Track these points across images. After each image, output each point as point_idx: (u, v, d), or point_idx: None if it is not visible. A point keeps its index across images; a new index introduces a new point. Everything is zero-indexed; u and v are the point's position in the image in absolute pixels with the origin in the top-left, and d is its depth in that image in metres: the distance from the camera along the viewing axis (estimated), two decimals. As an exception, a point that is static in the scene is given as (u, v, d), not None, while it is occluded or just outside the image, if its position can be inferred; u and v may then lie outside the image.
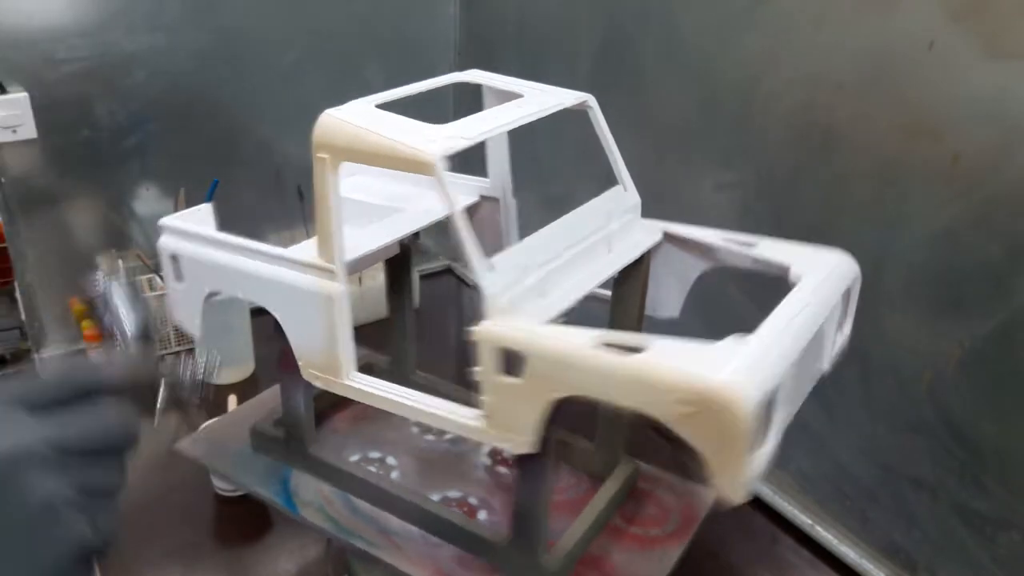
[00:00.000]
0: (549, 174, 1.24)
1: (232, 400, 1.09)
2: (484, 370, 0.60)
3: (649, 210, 0.76)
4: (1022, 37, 0.68)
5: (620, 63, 1.10)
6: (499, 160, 0.82)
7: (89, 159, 1.24)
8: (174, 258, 0.76)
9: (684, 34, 1.01)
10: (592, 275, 0.69)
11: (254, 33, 1.30)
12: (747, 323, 0.57)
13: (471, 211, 0.86)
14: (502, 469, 0.85)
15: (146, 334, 0.65)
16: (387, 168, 0.62)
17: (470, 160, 0.79)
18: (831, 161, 0.86)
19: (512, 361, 0.58)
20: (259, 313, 1.11)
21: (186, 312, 0.78)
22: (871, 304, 0.84)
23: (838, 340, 0.68)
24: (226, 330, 1.20)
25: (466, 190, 0.86)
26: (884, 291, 0.83)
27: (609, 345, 0.55)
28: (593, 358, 0.55)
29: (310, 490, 0.81)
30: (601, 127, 0.74)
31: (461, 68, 0.79)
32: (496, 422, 0.61)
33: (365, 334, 0.95)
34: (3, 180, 1.18)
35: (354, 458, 0.85)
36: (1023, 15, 0.67)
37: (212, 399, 1.16)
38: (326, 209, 0.65)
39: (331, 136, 0.63)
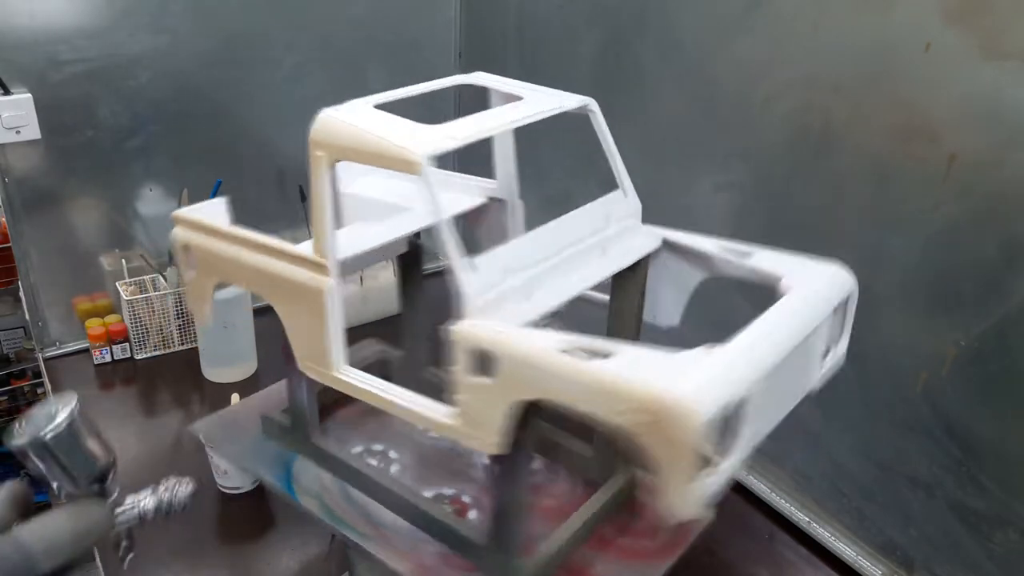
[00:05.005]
0: (549, 176, 1.25)
1: (235, 399, 1.09)
2: (458, 369, 0.60)
3: (647, 211, 0.76)
4: (1017, 38, 0.68)
5: (619, 66, 1.11)
6: (506, 162, 0.82)
7: (93, 160, 1.24)
8: (186, 248, 0.79)
9: (682, 37, 1.01)
10: (583, 279, 0.67)
11: (257, 35, 1.31)
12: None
13: (479, 213, 0.86)
14: None
15: (100, 477, 0.56)
16: (378, 167, 0.63)
17: (479, 162, 0.80)
18: (828, 162, 0.86)
19: (487, 362, 0.58)
20: (261, 313, 1.12)
21: (198, 301, 0.81)
22: (868, 304, 0.85)
23: (830, 358, 0.65)
24: (228, 329, 1.20)
25: (474, 191, 0.86)
26: (881, 291, 0.84)
27: (580, 350, 0.53)
28: (557, 362, 0.53)
29: (311, 478, 0.82)
30: (602, 131, 0.73)
31: (463, 70, 0.80)
32: (468, 421, 0.61)
33: (377, 331, 1.00)
34: (7, 180, 1.19)
35: (357, 450, 0.86)
36: (1018, 16, 0.68)
37: (215, 398, 1.17)
38: (320, 206, 0.67)
39: (327, 134, 0.65)
